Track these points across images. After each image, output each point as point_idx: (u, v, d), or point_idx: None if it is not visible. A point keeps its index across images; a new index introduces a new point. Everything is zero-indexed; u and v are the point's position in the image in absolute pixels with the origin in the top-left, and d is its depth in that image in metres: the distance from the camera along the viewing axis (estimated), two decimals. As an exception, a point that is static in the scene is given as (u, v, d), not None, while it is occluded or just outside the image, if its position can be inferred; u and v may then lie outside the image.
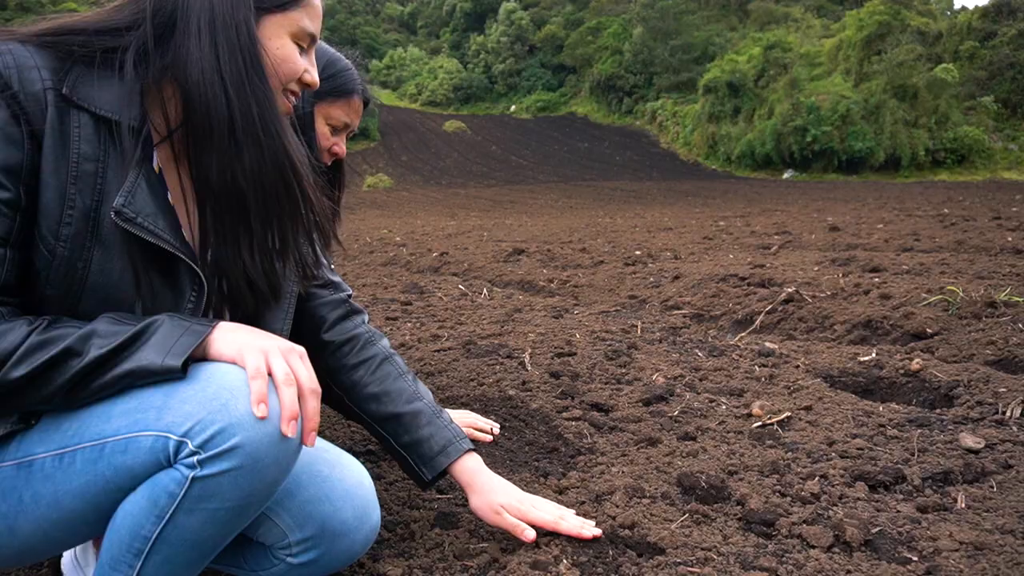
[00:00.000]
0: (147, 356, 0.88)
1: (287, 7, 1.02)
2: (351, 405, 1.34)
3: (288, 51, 1.03)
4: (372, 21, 73.90)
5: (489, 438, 1.84)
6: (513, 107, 53.32)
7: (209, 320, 0.96)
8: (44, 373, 0.86)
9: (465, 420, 1.87)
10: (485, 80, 57.02)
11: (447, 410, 1.91)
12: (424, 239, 8.93)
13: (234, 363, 0.91)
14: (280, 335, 1.16)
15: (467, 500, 1.31)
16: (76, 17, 0.97)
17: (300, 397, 0.91)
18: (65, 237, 0.91)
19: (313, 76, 1.08)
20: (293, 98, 1.08)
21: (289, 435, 0.89)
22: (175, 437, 0.86)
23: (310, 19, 1.05)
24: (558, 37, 53.05)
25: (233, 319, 1.10)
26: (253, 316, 1.10)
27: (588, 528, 1.28)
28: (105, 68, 0.94)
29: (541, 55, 54.93)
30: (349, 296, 1.42)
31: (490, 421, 1.92)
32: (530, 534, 1.24)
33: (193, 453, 0.85)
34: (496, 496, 1.28)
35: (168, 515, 0.88)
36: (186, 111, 0.97)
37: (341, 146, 1.73)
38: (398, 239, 9.05)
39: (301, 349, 0.96)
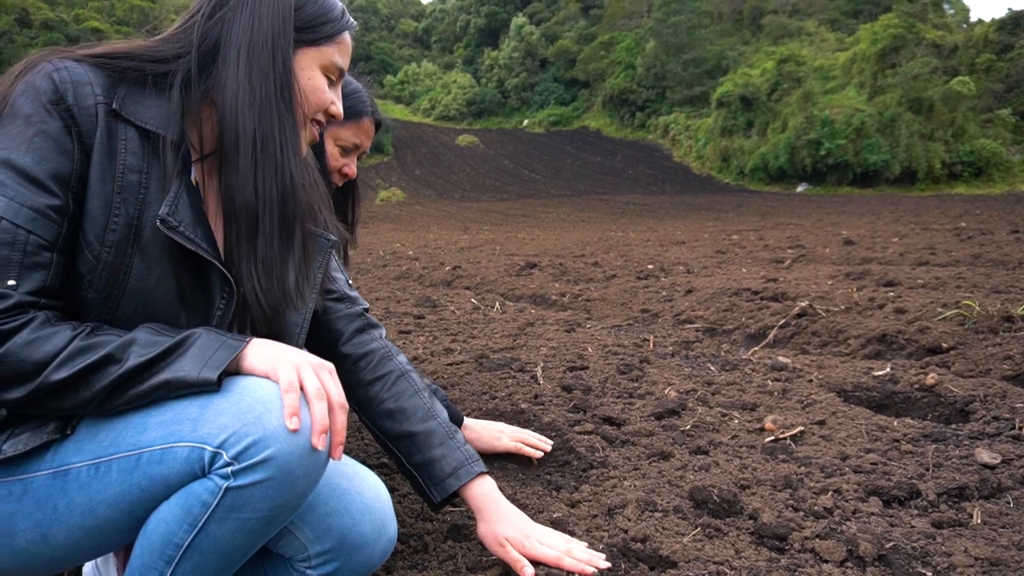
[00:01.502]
0: (184, 367, 0.91)
1: (322, 42, 1.08)
2: (365, 421, 1.35)
3: (319, 83, 1.09)
4: (387, 37, 74.75)
5: (539, 454, 1.75)
6: (526, 121, 53.58)
7: (243, 336, 0.99)
8: (84, 377, 0.89)
9: (517, 436, 1.80)
10: (498, 95, 57.38)
11: (500, 424, 1.82)
12: (437, 253, 8.98)
13: (267, 377, 0.94)
14: (298, 329, 1.19)
15: (475, 524, 1.31)
16: (128, 45, 1.03)
17: (329, 412, 0.94)
18: (110, 243, 0.95)
19: (339, 108, 1.13)
20: (318, 128, 1.13)
21: (319, 448, 0.92)
22: (210, 448, 0.89)
23: (341, 55, 1.11)
24: (571, 52, 53.37)
25: (254, 332, 1.13)
26: (266, 329, 1.13)
27: (596, 560, 1.24)
28: (154, 90, 1.00)
29: (554, 70, 55.23)
30: (365, 310, 1.43)
31: (542, 438, 1.82)
32: (529, 571, 1.21)
33: (228, 464, 0.88)
34: (502, 527, 1.27)
35: (201, 524, 0.90)
36: (219, 131, 1.02)
37: (351, 167, 1.75)
38: (411, 253, 9.10)
39: (331, 365, 0.99)
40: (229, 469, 0.88)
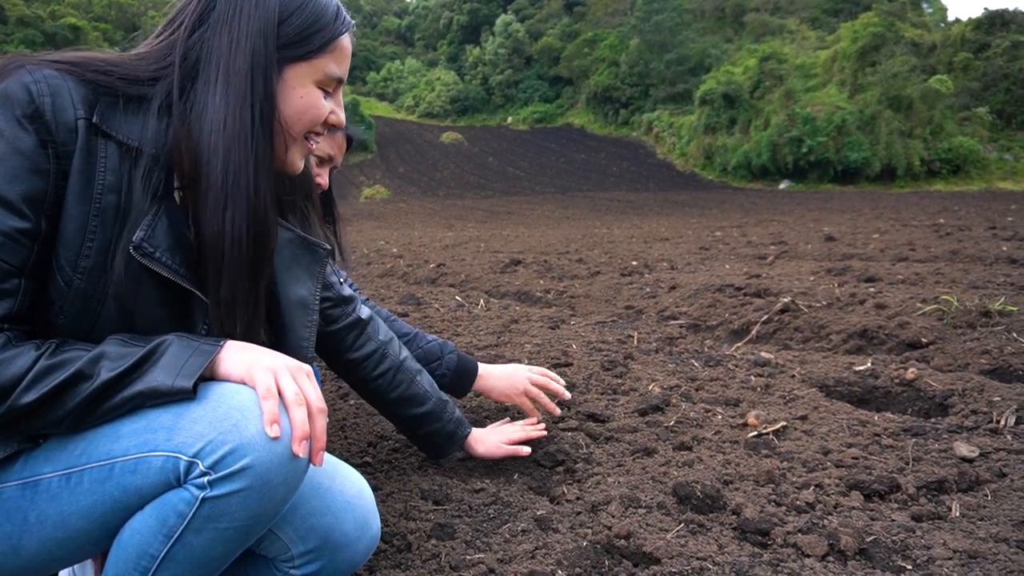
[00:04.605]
0: (157, 378, 0.88)
1: (313, 55, 1.01)
2: (376, 407, 1.64)
3: (312, 99, 1.03)
4: (370, 34, 74.31)
5: (558, 411, 1.91)
6: (510, 118, 53.48)
7: (216, 339, 0.96)
8: (55, 397, 0.86)
9: (532, 391, 1.84)
10: (482, 92, 57.21)
11: (516, 373, 1.87)
12: (421, 250, 8.94)
13: (243, 383, 0.91)
14: (306, 343, 1.17)
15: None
16: (102, 56, 0.97)
17: (309, 417, 0.91)
18: (83, 269, 0.91)
19: (339, 117, 1.08)
20: (316, 139, 1.08)
21: (300, 455, 0.90)
22: (186, 458, 0.86)
23: (337, 63, 1.05)
24: (555, 49, 53.34)
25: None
26: (277, 327, 1.16)
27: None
28: (133, 108, 0.95)
29: (538, 67, 55.17)
30: (360, 305, 1.54)
31: (558, 387, 1.88)
32: (525, 450, 1.73)
33: (204, 474, 0.86)
34: (490, 434, 1.74)
35: (176, 534, 0.88)
36: (194, 157, 0.96)
37: (324, 178, 1.77)
38: (395, 250, 9.06)
39: (308, 368, 0.96)
40: (205, 479, 0.86)
